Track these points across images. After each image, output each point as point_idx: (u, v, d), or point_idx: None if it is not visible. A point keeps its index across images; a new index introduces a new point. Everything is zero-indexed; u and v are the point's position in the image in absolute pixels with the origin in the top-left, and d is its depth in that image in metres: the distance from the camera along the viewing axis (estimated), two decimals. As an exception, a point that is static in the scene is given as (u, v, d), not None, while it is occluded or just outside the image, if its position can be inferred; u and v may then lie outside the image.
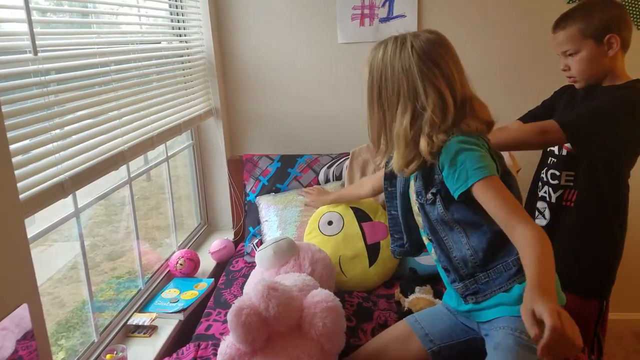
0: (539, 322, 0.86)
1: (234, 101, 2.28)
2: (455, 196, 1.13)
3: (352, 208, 1.83)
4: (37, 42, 1.08)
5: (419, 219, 1.31)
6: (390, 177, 1.40)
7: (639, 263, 2.34)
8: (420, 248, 1.42)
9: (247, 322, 1.16)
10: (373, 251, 1.74)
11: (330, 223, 1.84)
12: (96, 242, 2.06)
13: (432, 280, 1.61)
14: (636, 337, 2.35)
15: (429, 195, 1.20)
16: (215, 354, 1.31)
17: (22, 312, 0.93)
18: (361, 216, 1.81)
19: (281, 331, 1.23)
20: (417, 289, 1.54)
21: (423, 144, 1.15)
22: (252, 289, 1.23)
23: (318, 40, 2.20)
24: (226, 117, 2.27)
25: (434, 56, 1.15)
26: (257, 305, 1.19)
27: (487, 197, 1.09)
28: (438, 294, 1.56)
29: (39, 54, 1.09)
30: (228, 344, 1.23)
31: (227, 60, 2.24)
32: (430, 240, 1.28)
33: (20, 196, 0.96)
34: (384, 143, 1.25)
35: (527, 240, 1.02)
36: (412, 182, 1.30)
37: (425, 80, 1.14)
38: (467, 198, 1.12)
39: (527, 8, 2.11)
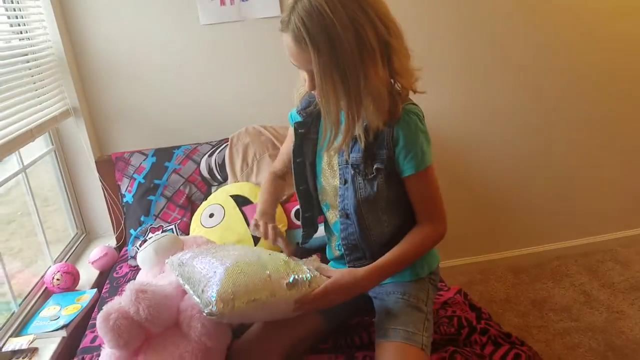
0: None
1: (95, 98, 2.12)
2: (403, 175, 1.15)
3: (232, 196, 1.82)
4: None
5: (332, 194, 1.27)
6: (300, 147, 1.30)
7: (513, 205, 2.61)
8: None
9: (117, 326, 1.11)
10: (257, 233, 1.75)
11: (211, 215, 1.82)
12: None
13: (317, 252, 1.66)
14: (513, 272, 2.62)
15: (372, 170, 1.16)
16: (101, 366, 1.25)
17: None
18: (241, 202, 1.81)
19: (159, 331, 1.19)
20: (302, 261, 1.57)
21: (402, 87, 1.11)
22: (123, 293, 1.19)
23: (179, 23, 2.09)
24: (88, 116, 2.11)
25: None
26: (127, 310, 1.14)
27: (423, 185, 1.17)
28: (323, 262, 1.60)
29: None
30: (107, 352, 1.17)
31: (81, 55, 2.07)
32: (346, 216, 1.24)
33: None
34: (349, 117, 1.09)
35: (420, 235, 1.20)
36: (331, 153, 1.24)
37: (378, 16, 1.03)
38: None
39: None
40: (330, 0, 0.99)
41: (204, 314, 1.07)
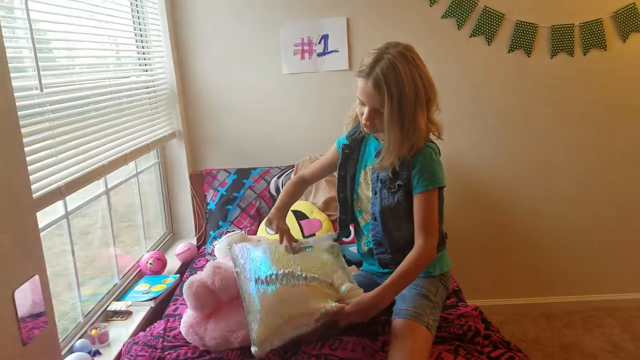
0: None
1: (194, 124, 2.63)
2: (414, 193, 1.50)
3: (292, 211, 2.21)
4: (42, 81, 1.43)
5: (365, 202, 1.61)
6: (344, 164, 1.66)
7: (553, 255, 2.79)
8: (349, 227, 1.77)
9: (197, 292, 1.49)
10: (310, 241, 2.11)
11: (274, 225, 2.21)
12: (57, 272, 1.99)
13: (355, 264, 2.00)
14: (546, 317, 2.77)
15: (395, 186, 1.51)
16: (181, 325, 1.63)
17: (35, 282, 1.24)
18: (299, 216, 2.20)
19: (227, 301, 1.56)
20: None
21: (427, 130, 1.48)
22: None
23: (266, 71, 2.58)
24: (188, 138, 2.62)
25: (419, 60, 1.45)
26: (205, 280, 1.52)
27: (425, 203, 1.49)
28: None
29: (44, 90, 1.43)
30: (188, 314, 1.56)
31: (188, 90, 2.60)
32: (374, 219, 1.58)
33: (33, 195, 1.28)
34: (398, 145, 1.45)
35: (416, 254, 1.47)
36: (367, 170, 1.60)
37: (427, 80, 1.44)
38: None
39: (440, 36, 2.56)
40: (401, 64, 1.40)
41: (252, 352, 1.37)
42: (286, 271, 1.48)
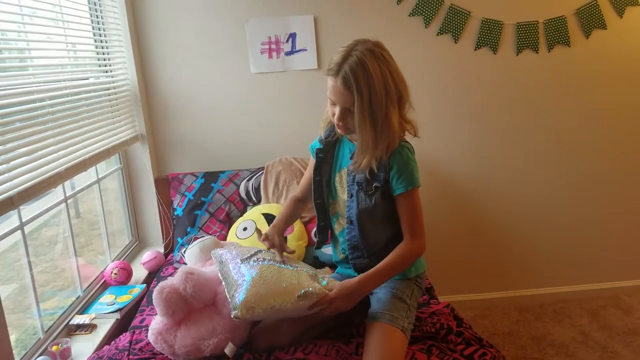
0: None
1: (159, 127, 2.55)
2: (395, 194, 1.48)
3: (263, 214, 2.15)
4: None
5: (342, 205, 1.58)
6: (319, 168, 1.63)
7: (525, 248, 2.82)
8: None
9: (168, 299, 1.43)
10: (282, 245, 2.06)
11: (245, 229, 2.14)
12: (27, 284, 1.93)
13: (328, 266, 1.97)
14: (518, 310, 2.81)
15: (372, 188, 1.48)
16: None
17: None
18: (270, 219, 2.13)
19: (199, 307, 1.51)
20: (316, 271, 1.87)
21: (400, 128, 1.45)
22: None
23: (233, 70, 2.51)
24: (152, 142, 2.53)
25: (389, 56, 1.42)
26: (177, 286, 1.46)
27: (408, 204, 1.48)
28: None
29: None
30: (157, 320, 1.49)
31: (151, 92, 2.51)
32: (350, 222, 1.55)
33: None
34: (373, 144, 1.42)
35: (404, 248, 1.48)
36: (342, 173, 1.57)
37: (397, 77, 1.40)
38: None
39: (407, 34, 2.55)
40: (370, 61, 1.37)
41: (232, 315, 1.36)
42: (273, 258, 1.52)
